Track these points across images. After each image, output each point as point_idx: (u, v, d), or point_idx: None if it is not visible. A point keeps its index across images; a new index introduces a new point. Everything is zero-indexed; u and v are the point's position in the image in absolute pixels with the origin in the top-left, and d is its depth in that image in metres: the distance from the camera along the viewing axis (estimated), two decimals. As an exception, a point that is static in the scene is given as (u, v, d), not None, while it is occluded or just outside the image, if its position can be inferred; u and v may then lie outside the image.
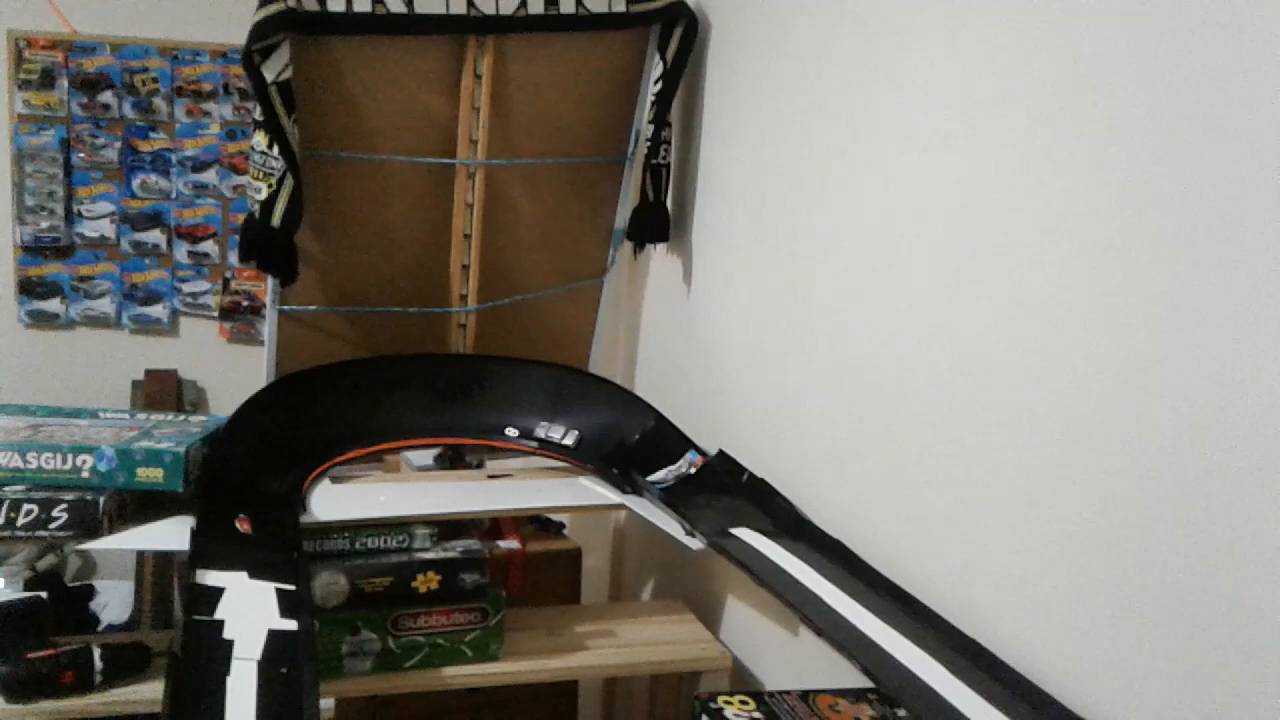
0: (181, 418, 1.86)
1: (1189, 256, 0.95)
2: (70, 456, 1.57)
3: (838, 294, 1.60)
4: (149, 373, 3.65)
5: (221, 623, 1.30)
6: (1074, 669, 1.09)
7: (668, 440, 2.04)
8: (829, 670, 1.52)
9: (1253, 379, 0.89)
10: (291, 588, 1.39)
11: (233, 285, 3.69)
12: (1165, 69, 0.98)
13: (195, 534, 1.48)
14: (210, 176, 3.63)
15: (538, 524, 2.45)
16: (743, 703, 1.28)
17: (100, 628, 3.03)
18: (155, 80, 3.55)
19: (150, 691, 1.51)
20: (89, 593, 3.14)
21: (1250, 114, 0.90)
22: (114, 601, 3.22)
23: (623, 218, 2.33)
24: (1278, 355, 0.87)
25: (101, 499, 1.52)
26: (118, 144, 3.57)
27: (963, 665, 1.20)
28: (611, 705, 2.53)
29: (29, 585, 3.00)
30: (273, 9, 1.80)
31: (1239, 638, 0.90)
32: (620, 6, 2.06)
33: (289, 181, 1.89)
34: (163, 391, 3.63)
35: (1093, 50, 1.08)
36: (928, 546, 1.35)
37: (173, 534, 1.55)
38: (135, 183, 3.60)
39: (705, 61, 2.12)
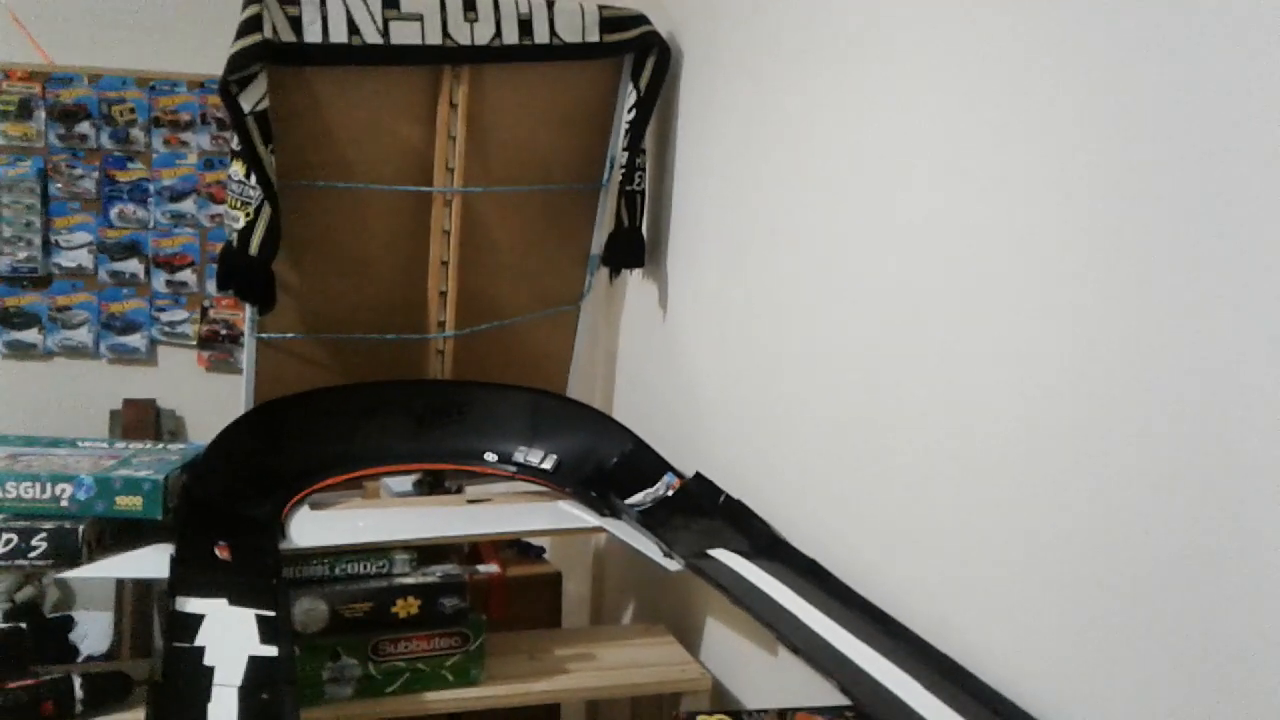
0: (160, 446, 1.87)
1: (1162, 280, 0.98)
2: (49, 485, 1.57)
3: (812, 317, 1.62)
4: (127, 402, 3.64)
5: (202, 649, 1.30)
6: (1045, 682, 1.11)
7: (645, 463, 2.05)
8: (807, 689, 1.53)
9: (1228, 397, 0.91)
10: (271, 614, 1.40)
11: (211, 314, 3.69)
12: (1149, 77, 1.02)
13: (175, 561, 1.48)
14: (188, 206, 3.63)
15: (518, 549, 2.46)
16: (721, 721, 1.29)
17: (80, 659, 3.01)
18: (133, 110, 3.56)
19: (131, 720, 1.52)
20: (68, 624, 3.12)
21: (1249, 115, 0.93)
22: (93, 633, 3.19)
23: (598, 243, 2.35)
24: (1252, 370, 0.89)
25: (81, 527, 1.52)
26: (95, 174, 3.57)
27: (937, 680, 1.22)
28: (593, 729, 2.53)
29: (7, 616, 2.99)
30: (250, 40, 1.82)
31: (1208, 651, 0.92)
32: (594, 37, 2.09)
33: (266, 210, 1.91)
34: (141, 421, 3.61)
35: (1058, 60, 1.11)
36: (901, 564, 1.37)
37: (152, 561, 1.55)
38: (113, 212, 3.59)
39: (678, 90, 2.15)
